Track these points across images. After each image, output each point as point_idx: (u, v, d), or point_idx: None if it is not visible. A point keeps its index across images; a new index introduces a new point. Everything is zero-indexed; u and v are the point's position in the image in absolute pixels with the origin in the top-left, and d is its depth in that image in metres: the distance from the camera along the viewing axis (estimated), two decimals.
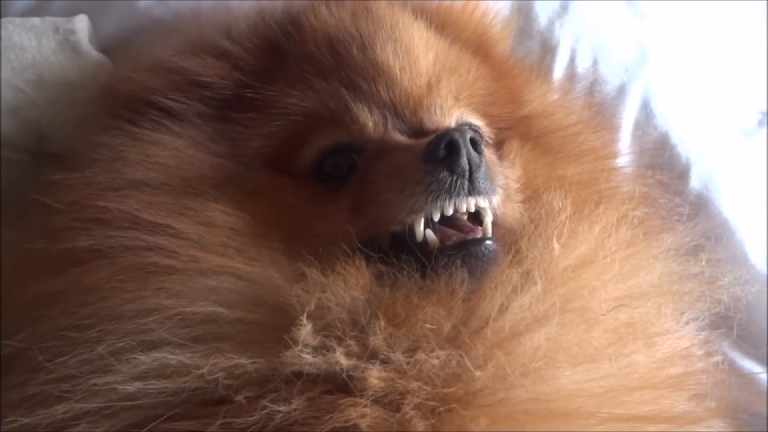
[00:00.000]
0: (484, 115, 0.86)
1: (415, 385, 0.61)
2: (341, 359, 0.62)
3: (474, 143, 0.69)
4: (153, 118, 0.78)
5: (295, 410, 0.60)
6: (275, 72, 0.82)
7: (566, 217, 0.74)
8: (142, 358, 0.63)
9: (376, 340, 0.63)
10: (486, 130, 0.85)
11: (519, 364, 0.63)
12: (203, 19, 0.92)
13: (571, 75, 1.08)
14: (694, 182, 1.05)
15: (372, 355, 0.63)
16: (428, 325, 0.63)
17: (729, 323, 0.94)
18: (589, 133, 0.98)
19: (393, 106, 0.78)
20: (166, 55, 0.85)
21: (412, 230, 0.69)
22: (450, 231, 0.70)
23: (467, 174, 0.70)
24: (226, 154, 0.78)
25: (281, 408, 0.60)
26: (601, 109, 1.06)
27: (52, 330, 0.68)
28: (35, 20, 0.90)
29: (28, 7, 0.97)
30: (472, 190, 0.70)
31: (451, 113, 0.82)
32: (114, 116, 0.80)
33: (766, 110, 1.32)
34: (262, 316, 0.65)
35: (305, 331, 0.63)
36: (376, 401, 0.61)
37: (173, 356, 0.63)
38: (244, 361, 0.62)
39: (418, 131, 0.78)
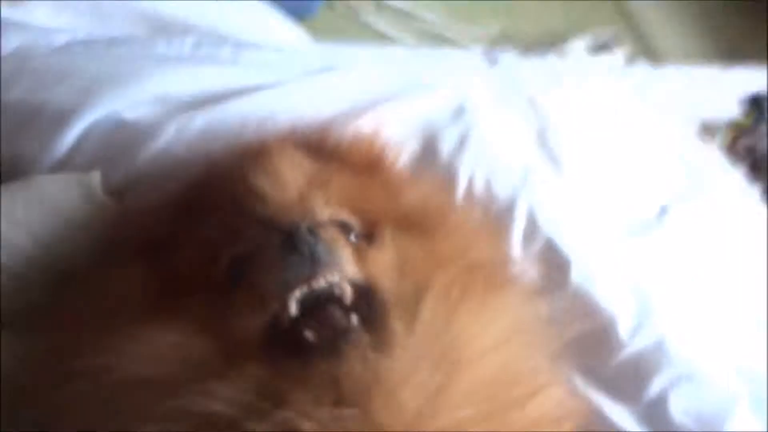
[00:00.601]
0: (356, 211, 1.02)
1: None
2: None
3: (310, 230, 0.88)
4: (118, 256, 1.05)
5: None
6: (192, 215, 1.05)
7: (417, 286, 0.92)
8: None
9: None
10: (356, 224, 1.02)
11: (411, 407, 0.78)
12: (182, 174, 1.21)
13: (469, 197, 1.35)
14: (574, 275, 1.28)
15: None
16: (325, 398, 0.78)
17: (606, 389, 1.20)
18: (462, 213, 1.21)
19: (269, 217, 0.96)
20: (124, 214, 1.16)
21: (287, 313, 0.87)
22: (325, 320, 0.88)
23: (307, 252, 0.87)
24: (162, 287, 0.98)
25: None
26: (493, 218, 1.33)
27: None
28: (62, 176, 1.20)
29: (55, 163, 1.28)
30: (315, 264, 0.87)
31: (324, 213, 0.97)
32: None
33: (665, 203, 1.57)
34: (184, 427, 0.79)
35: None
36: None
37: None
38: None
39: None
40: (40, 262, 1.16)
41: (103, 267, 1.05)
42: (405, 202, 1.13)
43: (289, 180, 1.02)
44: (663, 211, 1.56)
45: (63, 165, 1.28)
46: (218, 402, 0.79)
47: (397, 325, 0.88)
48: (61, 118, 1.27)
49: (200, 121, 1.29)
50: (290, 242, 0.89)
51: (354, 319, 0.88)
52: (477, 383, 0.85)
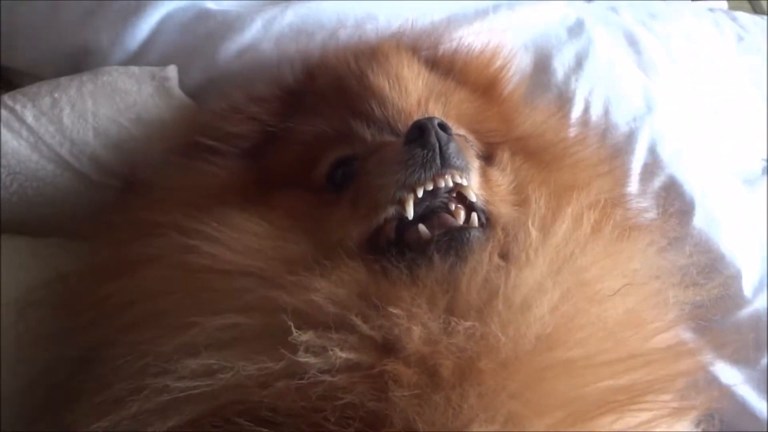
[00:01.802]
0: (473, 131, 0.97)
1: (448, 352, 0.68)
2: (340, 354, 0.68)
3: (442, 126, 0.80)
4: (202, 155, 0.95)
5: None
6: (292, 112, 0.98)
7: (550, 209, 0.83)
8: (189, 361, 0.70)
9: (389, 323, 0.70)
10: (474, 142, 0.96)
11: (533, 330, 0.71)
12: (268, 73, 1.08)
13: (585, 122, 1.20)
14: (697, 219, 1.15)
15: (388, 341, 0.70)
16: (438, 304, 0.71)
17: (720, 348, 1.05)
18: (583, 147, 1.08)
19: (387, 120, 0.91)
20: (208, 114, 1.02)
21: (402, 216, 0.79)
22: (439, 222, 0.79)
23: (437, 149, 0.78)
24: (255, 181, 0.92)
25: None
26: (613, 151, 1.18)
27: (113, 332, 0.76)
28: (135, 68, 1.07)
29: (126, 57, 1.13)
30: (445, 164, 0.79)
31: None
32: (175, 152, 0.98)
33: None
34: (270, 319, 0.72)
35: (304, 334, 0.69)
36: (415, 364, 0.68)
37: (214, 360, 0.69)
38: (270, 363, 0.69)
39: None
40: (106, 164, 1.03)
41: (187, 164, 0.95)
42: (523, 129, 1.04)
43: (410, 86, 0.96)
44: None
45: (135, 60, 1.13)
46: (318, 296, 0.72)
47: (525, 240, 0.79)
48: (135, 6, 1.12)
49: (291, 15, 1.13)
50: (419, 136, 0.79)
51: (475, 218, 0.81)
52: (599, 323, 0.76)
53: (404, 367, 0.68)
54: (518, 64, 1.16)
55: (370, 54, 1.01)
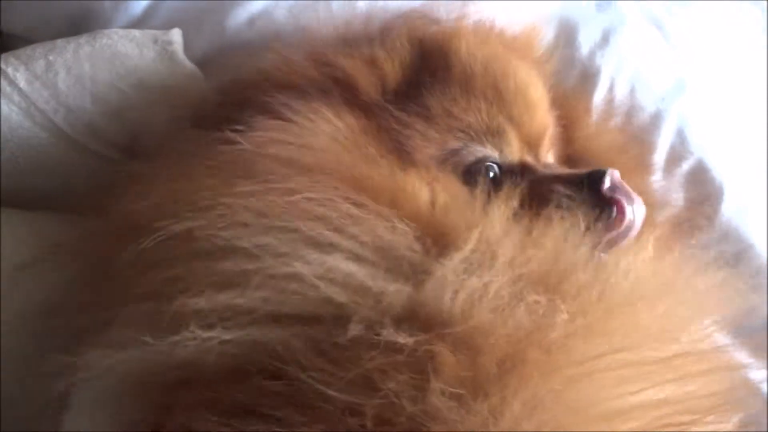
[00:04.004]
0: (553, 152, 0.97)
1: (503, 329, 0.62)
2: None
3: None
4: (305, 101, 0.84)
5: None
6: (426, 84, 0.90)
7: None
8: (328, 259, 0.64)
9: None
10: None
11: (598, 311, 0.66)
12: (286, 43, 0.99)
13: (609, 101, 1.12)
14: (727, 206, 1.08)
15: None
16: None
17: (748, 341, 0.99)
18: (623, 154, 1.04)
19: (529, 138, 0.90)
20: (320, 48, 0.93)
21: None
22: None
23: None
24: (385, 145, 0.85)
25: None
26: (636, 134, 1.11)
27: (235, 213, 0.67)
28: (136, 32, 0.98)
29: (128, 24, 1.05)
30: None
31: (547, 154, 0.94)
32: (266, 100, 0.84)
33: None
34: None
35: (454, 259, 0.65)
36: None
37: (352, 268, 0.64)
38: (397, 287, 0.64)
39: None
40: (105, 133, 0.95)
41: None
42: (577, 139, 1.03)
43: (539, 118, 0.93)
44: None
45: (138, 26, 1.04)
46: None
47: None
48: None
49: None
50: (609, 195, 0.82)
51: None
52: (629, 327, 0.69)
53: (448, 351, 0.61)
54: (541, 35, 1.09)
55: (514, 45, 0.98)
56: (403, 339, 0.60)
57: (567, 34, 1.15)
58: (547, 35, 1.12)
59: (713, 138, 1.15)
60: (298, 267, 0.64)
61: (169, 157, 0.83)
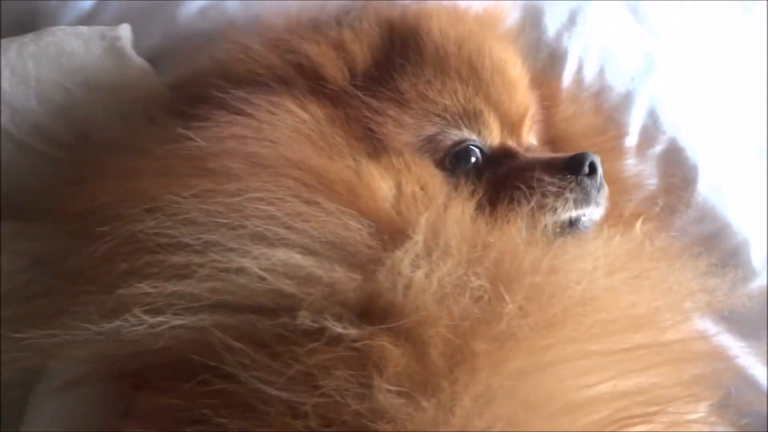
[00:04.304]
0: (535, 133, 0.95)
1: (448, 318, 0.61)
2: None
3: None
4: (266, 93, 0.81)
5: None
6: (398, 67, 0.87)
7: None
8: (276, 252, 0.64)
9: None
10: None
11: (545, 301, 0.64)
12: (243, 31, 0.95)
13: (578, 83, 1.09)
14: (702, 186, 1.05)
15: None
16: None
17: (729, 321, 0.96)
18: (600, 135, 1.02)
19: (509, 119, 0.88)
20: (282, 34, 0.89)
21: None
22: None
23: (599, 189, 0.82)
24: (354, 133, 0.82)
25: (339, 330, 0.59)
26: (609, 115, 1.08)
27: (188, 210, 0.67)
28: (83, 28, 0.95)
29: (77, 20, 1.02)
30: (592, 202, 0.82)
31: (528, 135, 0.92)
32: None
33: None
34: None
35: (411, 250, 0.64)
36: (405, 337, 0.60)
37: (302, 260, 0.63)
38: (348, 278, 0.63)
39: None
40: (52, 133, 0.91)
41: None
42: (556, 122, 1.02)
43: (518, 98, 0.90)
44: None
45: (88, 22, 1.01)
46: None
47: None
48: None
49: None
50: (590, 173, 0.83)
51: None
52: (611, 309, 0.68)
53: (391, 345, 0.59)
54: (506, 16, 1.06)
55: (489, 24, 0.96)
56: (345, 330, 0.59)
57: (533, 17, 1.12)
58: (512, 18, 1.08)
59: (686, 116, 1.12)
60: (244, 261, 0.63)
61: (119, 155, 0.80)
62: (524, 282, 0.64)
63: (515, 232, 0.71)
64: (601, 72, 1.10)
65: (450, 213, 0.69)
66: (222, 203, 0.66)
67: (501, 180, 0.83)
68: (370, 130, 0.82)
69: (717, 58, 1.32)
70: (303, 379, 0.57)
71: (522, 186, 0.79)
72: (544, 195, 0.80)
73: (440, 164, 0.84)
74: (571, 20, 1.12)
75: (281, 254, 0.64)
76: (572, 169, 0.82)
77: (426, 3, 0.97)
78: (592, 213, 0.83)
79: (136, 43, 0.98)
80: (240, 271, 0.63)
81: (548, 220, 0.80)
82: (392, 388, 0.57)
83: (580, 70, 1.10)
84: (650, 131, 1.09)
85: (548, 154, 0.89)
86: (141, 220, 0.66)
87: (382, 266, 0.63)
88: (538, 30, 1.11)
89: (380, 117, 0.83)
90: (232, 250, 0.64)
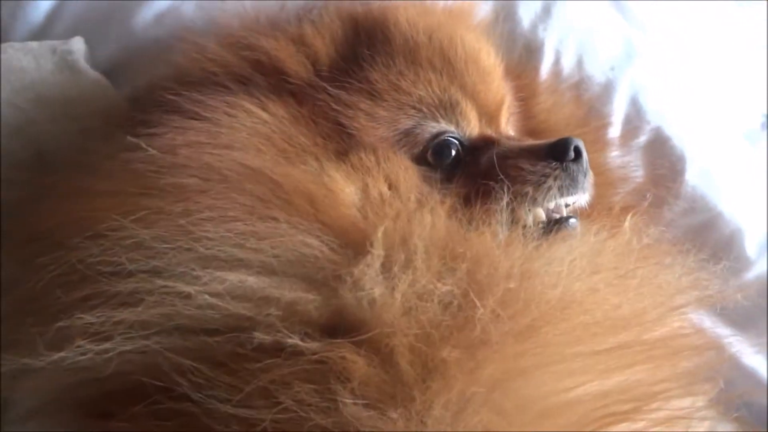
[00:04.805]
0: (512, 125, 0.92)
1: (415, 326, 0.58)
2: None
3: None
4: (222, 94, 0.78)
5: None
6: (366, 57, 0.83)
7: None
8: (229, 275, 0.61)
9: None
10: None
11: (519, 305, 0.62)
12: (200, 37, 0.90)
13: (556, 74, 1.05)
14: (690, 175, 1.02)
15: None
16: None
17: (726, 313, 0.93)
18: (582, 127, 0.99)
19: (486, 109, 0.84)
20: (238, 32, 0.85)
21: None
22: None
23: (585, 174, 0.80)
24: (320, 131, 0.78)
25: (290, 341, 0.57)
26: (590, 105, 1.04)
27: (132, 237, 0.64)
28: (33, 44, 0.90)
29: (29, 33, 0.98)
30: (578, 188, 0.80)
31: (507, 125, 0.90)
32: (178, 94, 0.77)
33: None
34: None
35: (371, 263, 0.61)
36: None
37: (256, 282, 0.61)
38: (308, 297, 0.60)
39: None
40: (7, 154, 0.86)
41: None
42: (534, 114, 0.99)
43: (494, 87, 0.87)
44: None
45: (42, 34, 0.97)
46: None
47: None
48: None
49: None
50: (574, 158, 0.81)
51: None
52: (593, 310, 0.66)
53: (354, 355, 0.56)
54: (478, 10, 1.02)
55: (458, 15, 0.93)
56: (304, 343, 0.56)
57: (506, 9, 1.07)
58: (484, 10, 1.04)
59: (669, 103, 1.08)
60: (193, 288, 0.60)
61: (70, 174, 0.76)
62: (498, 289, 0.61)
63: (490, 236, 0.67)
64: (580, 62, 1.07)
65: (416, 220, 0.66)
66: (171, 225, 0.63)
67: (482, 171, 0.80)
68: (340, 124, 0.78)
69: (696, 41, 1.29)
70: (261, 395, 0.55)
71: (501, 178, 0.76)
72: (522, 184, 0.77)
73: (420, 159, 0.80)
74: (546, 11, 1.08)
75: (234, 277, 0.60)
76: (556, 156, 0.79)
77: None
78: (580, 199, 0.82)
79: (92, 55, 0.94)
80: (189, 296, 0.60)
81: (528, 212, 0.77)
82: (358, 400, 0.54)
83: (557, 61, 1.06)
84: (634, 121, 1.05)
85: (530, 141, 0.86)
86: (82, 248, 0.63)
87: (343, 283, 0.60)
88: (512, 22, 1.07)
89: (351, 110, 0.79)
90: (181, 275, 0.61)
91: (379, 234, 0.63)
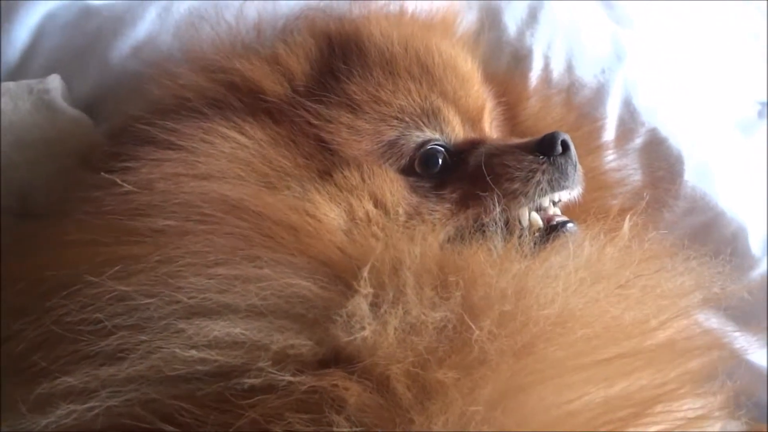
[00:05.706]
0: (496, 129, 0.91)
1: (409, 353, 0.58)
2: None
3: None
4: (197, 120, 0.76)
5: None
6: (342, 71, 0.82)
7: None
8: (215, 325, 0.59)
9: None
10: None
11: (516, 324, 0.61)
12: (175, 66, 0.89)
13: (546, 81, 1.02)
14: (689, 175, 1.00)
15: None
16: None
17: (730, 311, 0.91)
18: (574, 131, 0.95)
19: (468, 114, 0.84)
20: (210, 56, 0.84)
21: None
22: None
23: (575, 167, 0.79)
24: (301, 151, 0.76)
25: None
26: (582, 110, 1.02)
27: (115, 291, 0.62)
28: (10, 84, 0.88)
29: (5, 72, 0.95)
30: (569, 182, 0.79)
31: (490, 130, 0.88)
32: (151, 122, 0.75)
33: (766, 101, 1.25)
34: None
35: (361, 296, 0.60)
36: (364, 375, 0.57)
37: (241, 329, 0.59)
38: (300, 341, 0.59)
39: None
40: None
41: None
42: (522, 118, 0.98)
43: (474, 92, 0.86)
44: (765, 108, 1.24)
45: (19, 71, 0.95)
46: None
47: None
48: (5, 9, 0.93)
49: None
50: (562, 151, 0.81)
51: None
52: (592, 320, 0.64)
53: (347, 382, 0.55)
54: (463, 19, 1.00)
55: (431, 26, 0.92)
56: (295, 378, 0.56)
57: (491, 16, 1.05)
58: (468, 19, 1.02)
59: (663, 102, 1.05)
60: (179, 342, 0.58)
61: (50, 219, 0.74)
62: (493, 311, 0.60)
63: (484, 255, 0.66)
64: (569, 66, 1.04)
65: (405, 250, 0.64)
66: (150, 277, 0.60)
67: (471, 172, 0.79)
68: (321, 141, 0.76)
69: (684, 33, 1.26)
70: (252, 427, 0.54)
71: (491, 185, 0.76)
72: (511, 181, 0.77)
73: (407, 169, 0.79)
74: (532, 16, 1.06)
75: (220, 327, 0.58)
76: (543, 150, 0.79)
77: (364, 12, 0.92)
78: (572, 193, 0.81)
79: (71, 91, 0.92)
80: (175, 353, 0.58)
81: (521, 211, 0.77)
82: (355, 427, 0.54)
83: (547, 66, 1.04)
84: (628, 123, 1.03)
85: (517, 140, 0.85)
86: (59, 307, 0.60)
87: (335, 323, 0.58)
88: (497, 30, 1.05)
89: (331, 125, 0.77)
90: (165, 328, 0.59)
91: (365, 272, 0.61)
